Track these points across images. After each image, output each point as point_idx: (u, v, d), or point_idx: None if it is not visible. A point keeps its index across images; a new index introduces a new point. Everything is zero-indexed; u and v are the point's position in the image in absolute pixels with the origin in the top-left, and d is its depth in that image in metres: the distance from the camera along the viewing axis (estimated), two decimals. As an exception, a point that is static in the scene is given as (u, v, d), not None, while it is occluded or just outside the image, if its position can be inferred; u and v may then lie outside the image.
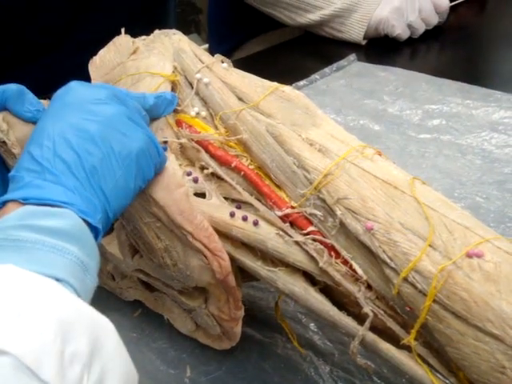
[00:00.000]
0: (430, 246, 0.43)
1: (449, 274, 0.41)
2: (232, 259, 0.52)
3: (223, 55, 1.67)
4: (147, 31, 1.09)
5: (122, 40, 0.68)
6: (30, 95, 0.53)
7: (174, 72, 0.61)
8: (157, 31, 0.69)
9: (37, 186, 0.40)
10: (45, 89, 1.04)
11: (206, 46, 3.04)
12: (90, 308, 0.35)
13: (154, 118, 0.57)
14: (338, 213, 0.47)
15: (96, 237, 0.41)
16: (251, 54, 1.36)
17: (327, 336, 0.60)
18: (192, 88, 0.60)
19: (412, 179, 0.48)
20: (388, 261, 0.44)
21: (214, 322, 0.56)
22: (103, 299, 0.66)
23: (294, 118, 0.55)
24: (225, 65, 0.62)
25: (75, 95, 0.47)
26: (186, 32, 3.07)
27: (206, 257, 0.50)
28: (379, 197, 0.46)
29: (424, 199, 0.46)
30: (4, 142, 0.52)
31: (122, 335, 0.63)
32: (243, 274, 0.55)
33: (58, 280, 0.35)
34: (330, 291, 0.50)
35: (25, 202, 0.39)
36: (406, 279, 0.43)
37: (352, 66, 1.16)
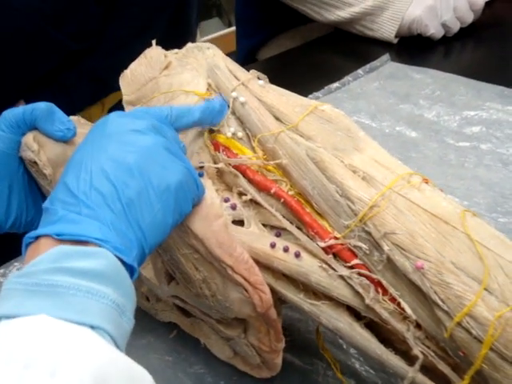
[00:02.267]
0: (485, 289, 0.41)
1: (506, 321, 0.39)
2: (273, 291, 0.50)
3: (251, 50, 1.66)
4: (170, 23, 1.08)
5: (154, 53, 0.66)
6: (59, 113, 0.51)
7: (208, 89, 0.59)
8: (189, 44, 0.67)
9: (71, 221, 0.39)
10: (93, 94, 1.04)
11: (229, 29, 3.02)
12: (126, 359, 0.34)
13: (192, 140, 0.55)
14: (386, 248, 0.45)
15: (131, 274, 0.40)
16: (280, 52, 1.33)
17: (369, 363, 0.58)
18: (228, 107, 0.58)
19: (463, 212, 0.46)
20: (440, 303, 0.42)
21: (254, 352, 0.55)
22: (137, 319, 0.65)
23: (335, 141, 0.53)
24: (261, 82, 0.60)
25: (113, 126, 0.45)
26: (208, 16, 3.05)
27: (246, 290, 0.49)
28: (429, 233, 0.44)
29: (477, 235, 0.44)
30: (35, 163, 0.51)
31: (157, 359, 0.62)
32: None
33: (93, 327, 0.34)
34: (375, 326, 0.48)
35: (58, 237, 0.38)
36: (459, 323, 0.41)
37: (385, 66, 1.13)
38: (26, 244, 0.39)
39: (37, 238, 0.39)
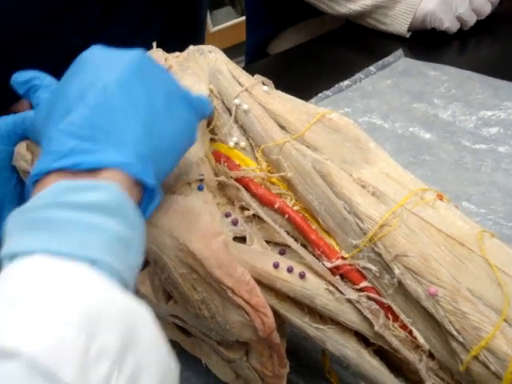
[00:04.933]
0: (504, 320, 0.37)
1: (528, 358, 0.36)
2: (276, 313, 0.47)
3: (260, 43, 1.62)
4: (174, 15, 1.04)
5: (154, 56, 0.63)
6: None
7: (209, 95, 0.56)
8: (191, 47, 0.63)
9: (87, 151, 0.36)
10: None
11: (242, 18, 2.98)
12: (124, 296, 0.32)
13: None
14: (396, 271, 0.42)
15: (151, 198, 0.39)
16: (289, 47, 1.30)
17: (379, 385, 0.55)
18: (230, 114, 0.55)
19: (480, 233, 0.42)
20: (455, 334, 0.39)
21: (256, 376, 0.52)
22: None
23: (343, 152, 0.50)
24: (266, 88, 0.56)
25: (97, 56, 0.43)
26: (220, 5, 3.01)
27: (247, 313, 0.46)
28: (444, 256, 0.41)
29: (495, 259, 0.40)
30: (28, 172, 0.49)
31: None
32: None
33: (94, 261, 0.32)
34: (385, 352, 0.45)
35: (76, 168, 0.36)
36: (476, 357, 0.38)
37: (398, 63, 1.09)
38: (32, 182, 0.37)
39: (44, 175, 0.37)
